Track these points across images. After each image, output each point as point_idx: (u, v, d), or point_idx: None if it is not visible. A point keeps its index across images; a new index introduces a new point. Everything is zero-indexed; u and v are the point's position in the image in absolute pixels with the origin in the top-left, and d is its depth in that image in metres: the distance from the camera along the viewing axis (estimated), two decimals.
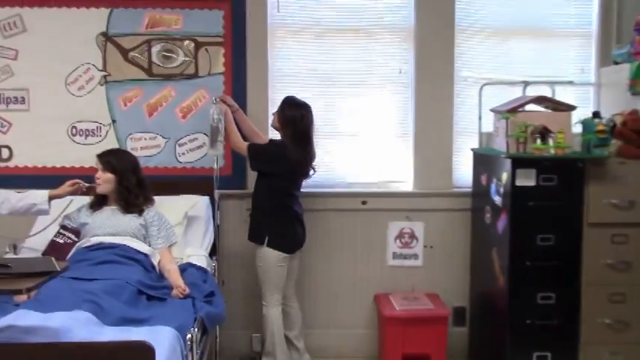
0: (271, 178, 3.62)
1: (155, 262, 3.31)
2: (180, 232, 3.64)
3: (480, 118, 4.10)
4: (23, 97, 4.03)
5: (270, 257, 3.62)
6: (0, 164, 4.06)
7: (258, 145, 3.70)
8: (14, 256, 3.36)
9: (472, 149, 4.13)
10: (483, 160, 3.96)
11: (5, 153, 4.06)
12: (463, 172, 4.24)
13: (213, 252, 3.85)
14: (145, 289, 2.99)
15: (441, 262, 4.24)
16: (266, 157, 3.63)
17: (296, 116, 3.60)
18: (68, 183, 3.39)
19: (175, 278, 3.17)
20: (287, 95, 3.72)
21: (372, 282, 4.24)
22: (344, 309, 4.26)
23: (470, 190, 4.17)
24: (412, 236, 4.21)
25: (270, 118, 3.95)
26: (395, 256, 4.22)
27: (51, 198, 3.35)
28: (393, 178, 4.27)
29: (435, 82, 4.14)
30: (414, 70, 4.16)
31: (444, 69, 4.14)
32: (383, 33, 4.18)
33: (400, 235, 4.21)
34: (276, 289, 3.67)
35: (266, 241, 3.60)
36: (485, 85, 4.12)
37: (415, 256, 4.22)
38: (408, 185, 4.26)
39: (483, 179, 3.92)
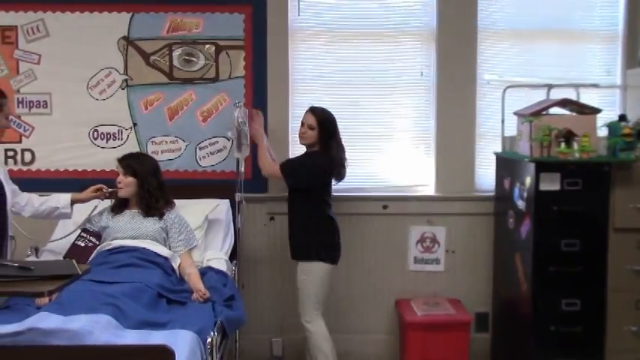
0: (309, 191, 3.57)
1: (175, 266, 3.31)
2: (201, 236, 3.65)
3: (502, 121, 4.05)
4: (46, 101, 4.07)
5: (317, 270, 3.55)
6: (22, 167, 4.09)
7: (291, 161, 3.66)
8: (36, 259, 3.38)
9: (495, 153, 4.08)
10: (506, 164, 3.91)
11: (28, 157, 4.10)
12: (485, 176, 4.19)
13: (233, 255, 3.84)
14: (165, 292, 2.99)
15: (463, 267, 4.20)
16: (303, 169, 3.56)
17: (332, 117, 3.58)
18: (92, 188, 3.42)
19: (195, 282, 3.17)
20: (310, 106, 3.65)
21: (393, 287, 4.20)
22: (365, 314, 4.23)
23: (492, 194, 4.12)
24: (434, 241, 4.17)
25: (291, 121, 3.94)
26: (416, 260, 4.19)
27: (73, 202, 3.39)
28: (414, 182, 4.23)
29: (457, 85, 4.11)
30: (436, 72, 4.13)
31: (466, 72, 4.11)
32: (404, 36, 4.15)
33: (422, 240, 4.18)
34: (318, 303, 3.60)
35: (314, 254, 3.54)
36: (508, 87, 4.06)
37: (437, 261, 4.18)
38: (429, 189, 4.22)
39: (506, 183, 3.87)
